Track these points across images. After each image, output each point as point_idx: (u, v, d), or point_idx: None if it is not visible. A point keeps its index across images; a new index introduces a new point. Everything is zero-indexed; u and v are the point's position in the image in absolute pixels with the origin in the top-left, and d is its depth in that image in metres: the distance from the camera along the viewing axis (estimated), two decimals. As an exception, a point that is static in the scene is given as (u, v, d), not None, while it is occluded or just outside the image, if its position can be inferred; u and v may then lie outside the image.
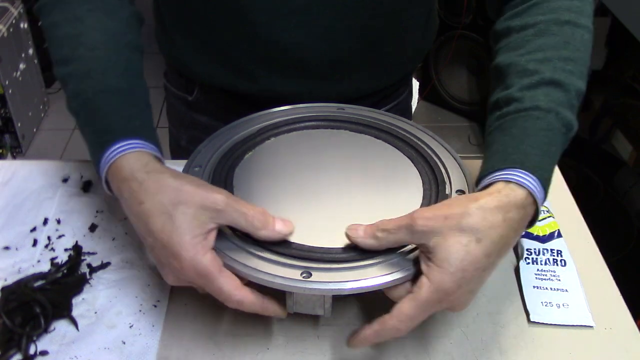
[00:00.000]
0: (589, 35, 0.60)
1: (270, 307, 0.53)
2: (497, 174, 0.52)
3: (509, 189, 0.50)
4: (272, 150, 0.66)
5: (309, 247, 0.53)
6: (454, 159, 0.64)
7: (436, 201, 0.58)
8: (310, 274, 0.50)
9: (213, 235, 0.51)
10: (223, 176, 0.61)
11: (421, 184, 0.61)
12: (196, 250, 0.49)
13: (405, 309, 0.48)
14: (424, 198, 0.59)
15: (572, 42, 0.58)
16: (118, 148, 0.54)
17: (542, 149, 0.53)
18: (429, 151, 0.65)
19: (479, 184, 0.54)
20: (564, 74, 0.56)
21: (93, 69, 0.58)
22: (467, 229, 0.48)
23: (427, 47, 0.83)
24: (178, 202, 0.50)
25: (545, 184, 0.52)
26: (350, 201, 0.59)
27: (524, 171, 0.51)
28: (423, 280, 0.48)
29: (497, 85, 0.60)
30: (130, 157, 0.53)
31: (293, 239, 0.53)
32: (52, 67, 0.60)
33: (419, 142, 0.66)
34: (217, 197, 0.51)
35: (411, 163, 0.64)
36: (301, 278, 0.50)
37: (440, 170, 0.62)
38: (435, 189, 0.60)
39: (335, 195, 0.59)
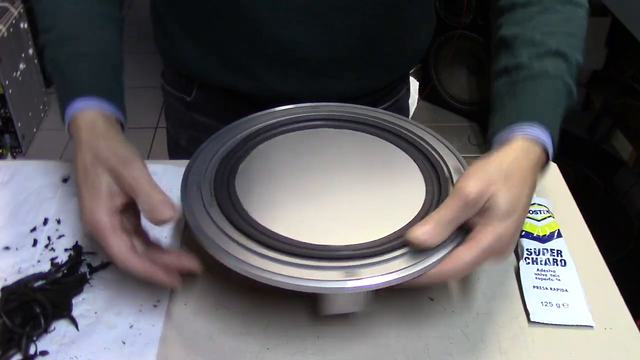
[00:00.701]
0: (586, 14, 0.66)
1: (159, 276, 0.55)
2: (514, 127, 0.58)
3: (528, 143, 0.56)
4: (274, 150, 0.66)
5: (319, 246, 0.53)
6: (456, 157, 0.64)
7: (439, 198, 0.58)
8: (353, 273, 0.51)
9: (120, 198, 0.54)
10: (225, 176, 0.61)
11: (423, 181, 0.61)
12: (95, 205, 0.53)
13: (465, 257, 0.51)
14: (426, 194, 0.59)
15: (573, 20, 0.65)
16: (76, 105, 0.59)
17: (552, 110, 0.59)
18: (430, 150, 0.65)
19: (493, 138, 0.59)
20: (567, 47, 0.62)
21: (66, 35, 0.63)
22: (512, 185, 0.53)
23: (426, 46, 0.84)
24: (95, 160, 0.55)
25: (554, 140, 0.58)
26: (354, 199, 0.59)
27: (538, 126, 0.57)
28: (485, 229, 0.52)
29: (504, 54, 0.64)
30: (83, 114, 0.59)
31: (304, 238, 0.54)
32: (39, 37, 0.66)
33: (420, 141, 0.66)
34: (124, 167, 0.54)
35: (413, 161, 0.64)
36: (343, 278, 0.50)
37: (442, 169, 0.62)
38: (437, 186, 0.60)
39: (338, 194, 0.59)
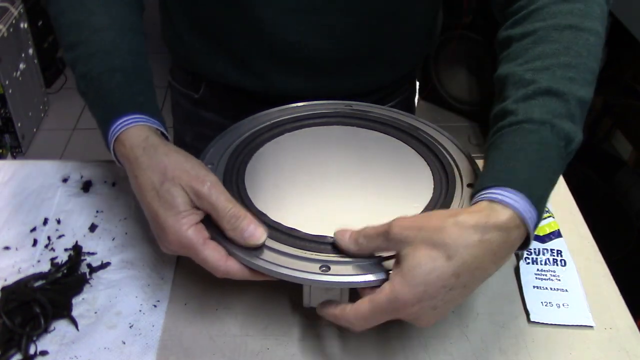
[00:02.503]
0: (595, 38, 0.55)
1: (259, 275, 0.53)
2: (482, 192, 0.49)
3: (490, 208, 0.47)
4: (284, 145, 0.66)
5: (323, 238, 0.53)
6: (463, 152, 0.65)
7: (446, 195, 0.58)
8: (329, 268, 0.50)
9: (200, 212, 0.53)
10: (234, 173, 0.61)
11: (432, 178, 0.61)
12: (179, 225, 0.52)
13: (361, 309, 0.48)
14: (434, 191, 0.59)
15: (574, 47, 0.54)
16: (122, 122, 0.56)
17: (533, 165, 0.49)
18: (438, 146, 0.65)
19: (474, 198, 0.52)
20: (563, 82, 0.52)
21: (98, 50, 0.60)
22: (439, 244, 0.46)
23: (433, 45, 0.84)
24: (164, 179, 0.53)
25: (537, 202, 0.48)
26: (362, 195, 0.59)
27: (510, 189, 0.47)
28: (385, 286, 0.47)
29: (497, 98, 0.57)
30: (132, 131, 0.56)
31: (303, 228, 0.54)
32: (62, 53, 0.64)
33: (428, 137, 0.67)
34: (200, 184, 0.52)
35: (421, 158, 0.64)
36: (320, 272, 0.50)
37: (450, 164, 0.62)
38: (445, 183, 0.60)
39: (346, 190, 0.60)
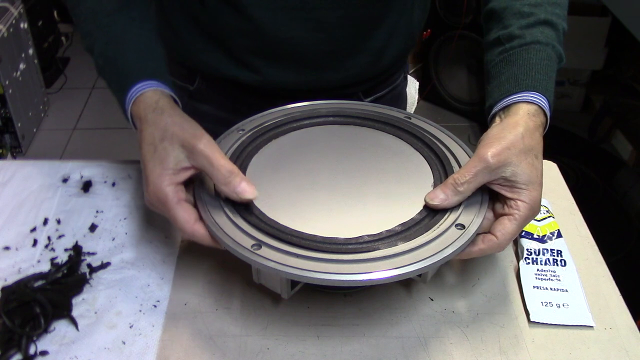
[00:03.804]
0: None
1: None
2: (515, 96, 0.61)
3: (534, 109, 0.60)
4: (284, 146, 0.66)
5: (307, 235, 0.53)
6: (457, 144, 0.66)
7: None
8: (260, 246, 0.52)
9: (186, 173, 0.57)
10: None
11: (431, 175, 0.62)
12: (162, 179, 0.56)
13: (509, 229, 0.56)
14: (434, 182, 0.60)
15: None
16: (138, 87, 0.61)
17: (546, 75, 0.62)
18: (433, 139, 0.66)
19: (493, 108, 0.63)
20: (553, 16, 0.66)
21: (113, 30, 0.66)
22: (528, 150, 0.57)
23: (419, 29, 0.84)
24: (163, 137, 0.57)
25: (550, 102, 0.62)
26: (362, 191, 0.59)
27: (538, 93, 0.61)
28: (518, 203, 0.56)
29: (494, 26, 0.69)
30: (146, 95, 0.61)
31: (302, 228, 0.54)
32: (82, 43, 0.68)
33: (428, 135, 0.67)
34: (196, 140, 0.56)
35: (420, 155, 0.65)
36: (251, 249, 0.52)
37: (446, 155, 0.63)
38: (444, 175, 0.61)
39: (348, 189, 0.60)
